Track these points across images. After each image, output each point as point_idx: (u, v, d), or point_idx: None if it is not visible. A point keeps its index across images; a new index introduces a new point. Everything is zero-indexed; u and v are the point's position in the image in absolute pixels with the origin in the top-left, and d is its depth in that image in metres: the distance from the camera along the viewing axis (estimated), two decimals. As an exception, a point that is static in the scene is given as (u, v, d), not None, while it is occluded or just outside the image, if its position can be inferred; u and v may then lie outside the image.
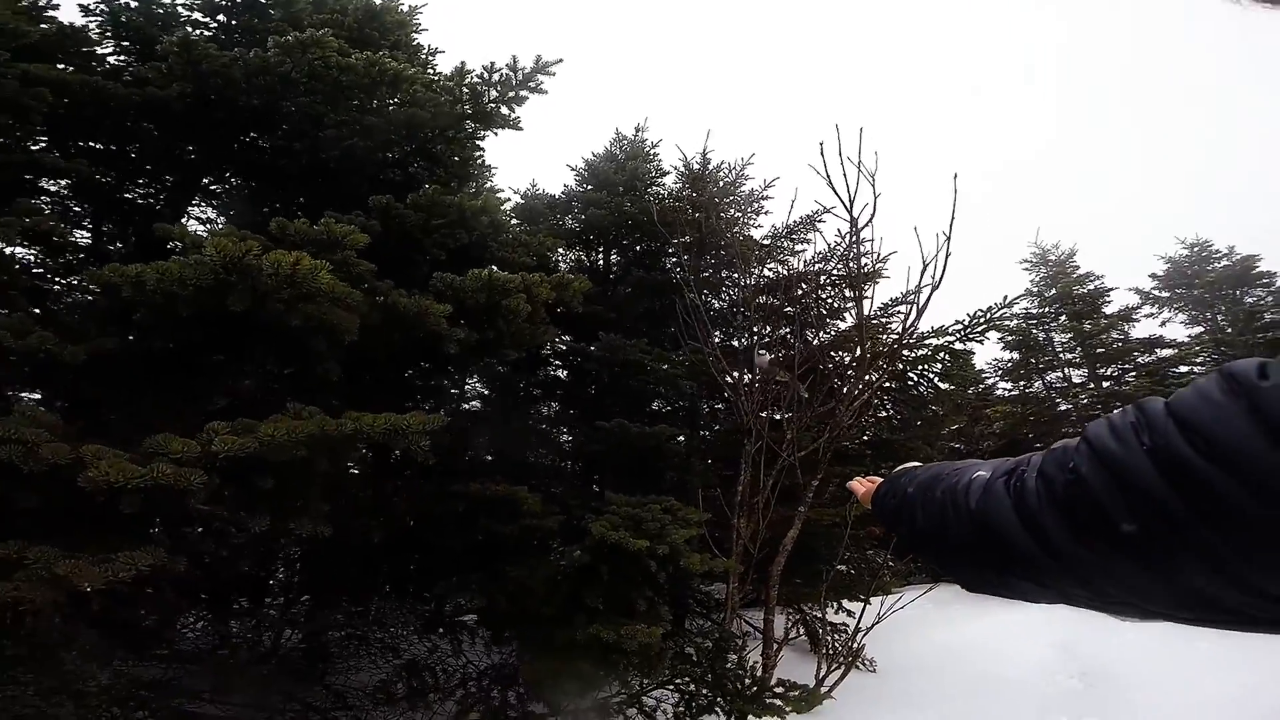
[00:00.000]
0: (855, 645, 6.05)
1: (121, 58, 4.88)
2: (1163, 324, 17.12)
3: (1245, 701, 4.70)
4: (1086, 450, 0.51)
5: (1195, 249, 17.01)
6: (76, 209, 4.66)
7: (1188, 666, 5.40)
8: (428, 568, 4.37)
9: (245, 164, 4.93)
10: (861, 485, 1.09)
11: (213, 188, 5.21)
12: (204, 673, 4.02)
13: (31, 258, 4.34)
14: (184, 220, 4.85)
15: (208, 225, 5.33)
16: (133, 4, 4.72)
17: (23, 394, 3.62)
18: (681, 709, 4.11)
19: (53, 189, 4.51)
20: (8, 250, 3.53)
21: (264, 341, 2.73)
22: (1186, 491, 0.43)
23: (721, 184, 7.69)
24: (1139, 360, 14.76)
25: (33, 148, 4.09)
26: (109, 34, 4.78)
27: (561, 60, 4.53)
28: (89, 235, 4.71)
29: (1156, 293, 17.41)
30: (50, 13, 4.43)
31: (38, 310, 3.65)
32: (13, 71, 3.61)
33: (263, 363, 3.01)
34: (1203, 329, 16.54)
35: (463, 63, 4.60)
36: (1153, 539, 0.45)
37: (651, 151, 8.46)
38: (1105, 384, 14.87)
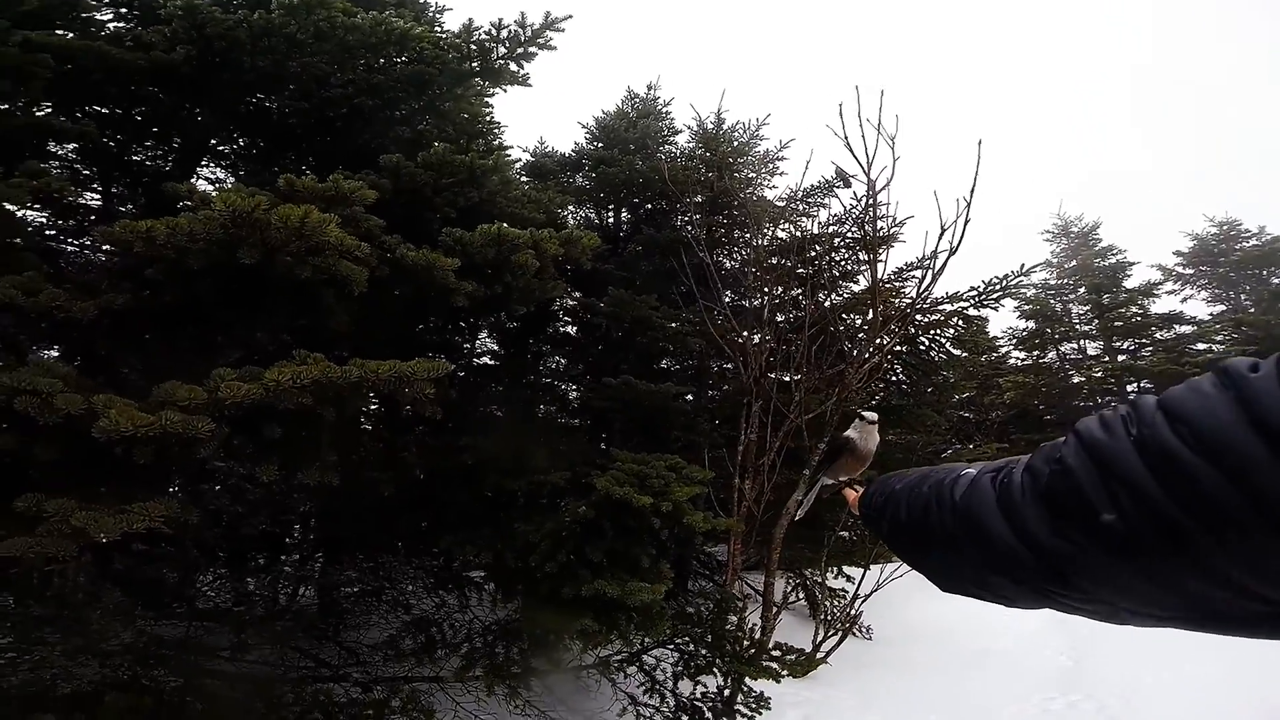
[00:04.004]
0: (853, 612, 6.14)
1: (121, 24, 4.83)
2: (1184, 300, 16.81)
3: (1232, 681, 4.68)
4: (1074, 442, 0.51)
5: (1224, 227, 16.51)
6: (85, 172, 4.67)
7: (1176, 647, 5.34)
8: (439, 523, 4.45)
9: (253, 124, 4.91)
10: (854, 493, 1.12)
11: (221, 148, 5.21)
12: (222, 630, 4.11)
13: (43, 220, 4.38)
14: (194, 180, 4.85)
15: (217, 185, 5.33)
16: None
17: (41, 351, 3.68)
18: (680, 668, 4.17)
19: (60, 153, 4.52)
20: (18, 213, 3.55)
21: (274, 294, 2.75)
22: (1169, 481, 0.42)
23: (735, 144, 7.54)
24: (1157, 336, 14.54)
25: (38, 113, 4.08)
26: (105, 1, 4.72)
27: (571, 16, 4.45)
28: (99, 197, 4.74)
29: (1180, 269, 17.01)
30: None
31: (50, 270, 3.69)
32: (13, 38, 3.58)
33: (273, 315, 3.04)
34: (1225, 307, 16.21)
35: (470, 19, 4.53)
36: (1131, 530, 0.44)
37: (664, 110, 8.28)
38: (1121, 357, 14.70)
